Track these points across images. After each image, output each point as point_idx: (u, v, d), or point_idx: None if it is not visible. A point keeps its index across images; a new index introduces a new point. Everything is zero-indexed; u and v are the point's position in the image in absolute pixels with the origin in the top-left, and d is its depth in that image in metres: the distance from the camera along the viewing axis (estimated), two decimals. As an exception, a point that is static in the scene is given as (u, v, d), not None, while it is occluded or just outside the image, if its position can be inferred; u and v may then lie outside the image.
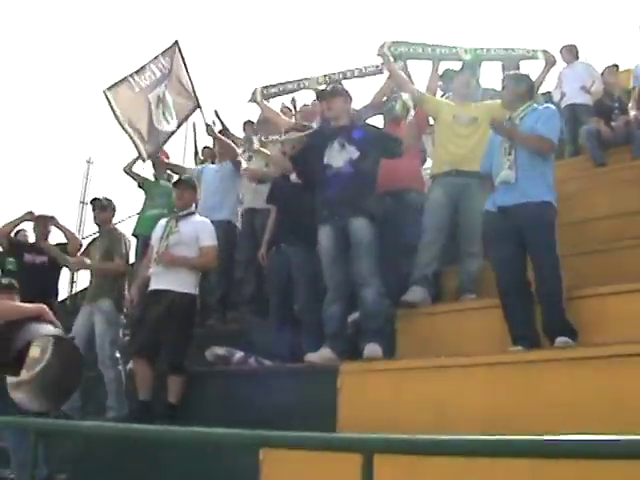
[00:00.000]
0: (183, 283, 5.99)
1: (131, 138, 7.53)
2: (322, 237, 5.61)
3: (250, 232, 7.59)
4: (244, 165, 7.67)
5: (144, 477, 5.25)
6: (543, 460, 2.54)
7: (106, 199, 7.31)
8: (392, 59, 6.47)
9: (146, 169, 8.70)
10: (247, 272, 7.56)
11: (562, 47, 10.10)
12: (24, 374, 4.47)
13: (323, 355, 5.38)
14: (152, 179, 8.75)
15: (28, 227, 8.32)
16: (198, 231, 6.15)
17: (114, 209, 7.36)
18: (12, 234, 7.62)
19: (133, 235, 8.44)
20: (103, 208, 7.23)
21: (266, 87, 7.68)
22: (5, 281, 5.92)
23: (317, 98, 7.32)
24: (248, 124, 9.21)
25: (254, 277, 7.45)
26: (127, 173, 8.52)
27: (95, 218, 7.30)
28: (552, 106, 5.55)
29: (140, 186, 8.77)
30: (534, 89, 5.43)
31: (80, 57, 34.38)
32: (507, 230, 4.93)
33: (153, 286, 6.09)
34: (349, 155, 5.57)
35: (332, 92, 5.94)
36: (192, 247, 6.10)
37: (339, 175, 5.56)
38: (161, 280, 6.01)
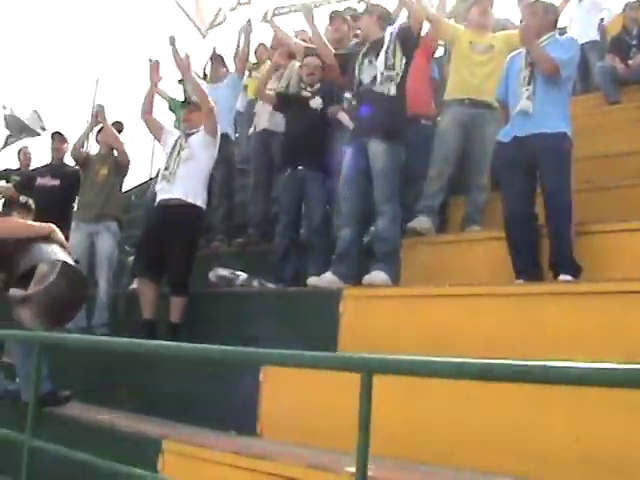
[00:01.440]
0: (191, 194, 6.01)
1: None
2: (345, 156, 5.62)
3: (264, 153, 7.51)
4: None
5: (145, 394, 5.33)
6: (539, 387, 2.56)
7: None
8: None
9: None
10: (257, 193, 7.53)
11: None
12: (31, 288, 4.52)
13: (327, 279, 5.40)
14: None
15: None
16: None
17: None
18: None
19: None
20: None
21: (277, 8, 7.59)
22: (23, 200, 5.94)
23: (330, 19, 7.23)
24: (260, 46, 9.09)
25: (264, 200, 7.42)
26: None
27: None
28: (574, 37, 5.46)
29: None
30: (558, 19, 5.32)
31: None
32: (520, 161, 4.88)
33: (160, 197, 6.13)
34: (375, 71, 5.52)
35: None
36: (204, 158, 6.15)
37: (367, 92, 5.54)
38: (169, 191, 6.04)
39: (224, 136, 7.31)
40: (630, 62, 8.66)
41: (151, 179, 8.85)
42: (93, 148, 9.01)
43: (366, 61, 5.61)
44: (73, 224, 7.13)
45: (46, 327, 4.65)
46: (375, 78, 5.49)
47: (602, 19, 9.79)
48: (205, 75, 9.61)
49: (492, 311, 4.21)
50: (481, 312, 4.25)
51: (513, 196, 4.93)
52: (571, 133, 4.90)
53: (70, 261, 4.86)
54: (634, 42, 8.86)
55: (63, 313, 4.84)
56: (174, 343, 3.77)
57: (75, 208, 7.70)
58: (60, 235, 4.94)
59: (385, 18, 5.78)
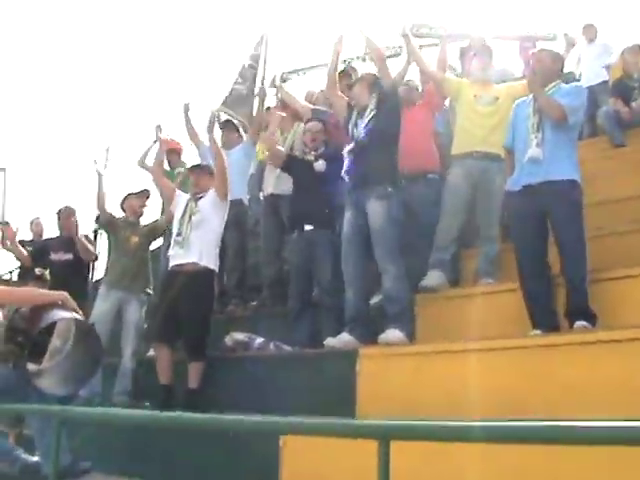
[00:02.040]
0: (205, 259, 6.06)
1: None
2: (345, 217, 5.71)
3: (272, 216, 7.54)
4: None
5: (165, 464, 5.30)
6: (559, 446, 2.53)
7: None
8: (413, 40, 6.43)
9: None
10: (268, 256, 7.55)
11: (584, 26, 10.05)
12: (45, 363, 4.52)
13: (343, 339, 5.40)
14: (167, 169, 8.72)
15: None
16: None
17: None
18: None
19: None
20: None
21: (286, 73, 7.70)
22: (38, 272, 6.00)
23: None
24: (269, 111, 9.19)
25: (276, 262, 7.45)
26: (141, 166, 8.44)
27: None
28: (580, 84, 5.51)
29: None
30: (563, 69, 5.36)
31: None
32: (530, 210, 4.88)
33: (173, 263, 6.18)
34: (366, 120, 5.69)
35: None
36: (215, 221, 6.21)
37: (357, 145, 5.68)
38: (183, 257, 6.09)
39: (238, 202, 7.40)
40: (633, 105, 8.71)
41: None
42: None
43: (359, 122, 5.77)
44: (103, 289, 7.14)
45: (65, 393, 4.66)
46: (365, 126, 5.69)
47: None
48: None
49: (508, 365, 4.19)
50: (497, 366, 4.23)
51: (525, 247, 4.92)
52: (580, 180, 4.91)
53: (84, 320, 4.87)
54: (635, 84, 8.92)
55: (79, 380, 4.83)
56: (192, 415, 3.75)
57: (105, 274, 7.69)
58: (73, 303, 4.98)
59: (374, 84, 5.91)
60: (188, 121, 8.13)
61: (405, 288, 5.46)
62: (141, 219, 7.56)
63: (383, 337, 5.23)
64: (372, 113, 5.75)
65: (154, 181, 6.69)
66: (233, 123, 8.61)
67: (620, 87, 9.05)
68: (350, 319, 5.51)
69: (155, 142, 8.15)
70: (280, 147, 6.89)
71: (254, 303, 7.40)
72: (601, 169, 7.29)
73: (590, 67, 9.76)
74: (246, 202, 7.91)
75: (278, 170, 7.14)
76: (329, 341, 5.46)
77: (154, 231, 7.50)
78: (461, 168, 6.03)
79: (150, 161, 7.78)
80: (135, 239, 7.22)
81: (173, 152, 8.58)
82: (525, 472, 3.37)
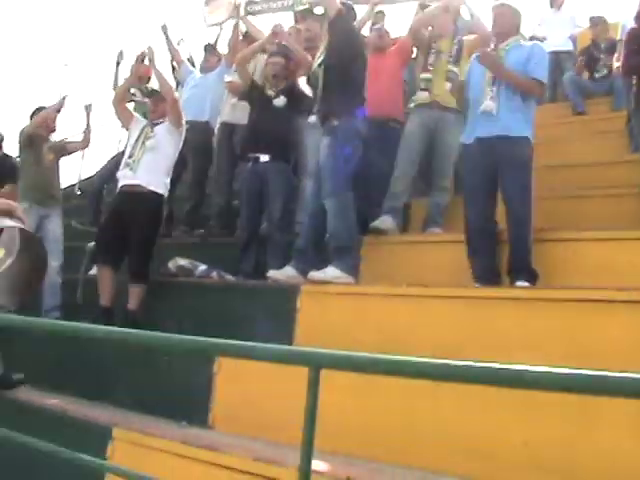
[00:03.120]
0: (153, 183, 5.99)
1: None
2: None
3: (227, 145, 7.45)
4: (227, 78, 7.51)
5: (98, 382, 5.29)
6: (490, 389, 2.58)
7: None
8: None
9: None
10: (218, 185, 7.50)
11: None
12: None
13: (287, 273, 5.39)
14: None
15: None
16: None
17: None
18: None
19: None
20: None
21: (249, 3, 7.56)
22: None
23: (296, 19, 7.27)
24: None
25: (225, 191, 7.40)
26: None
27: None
28: (541, 44, 5.48)
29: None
30: (521, 24, 5.31)
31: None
32: (481, 164, 4.88)
33: (122, 184, 6.10)
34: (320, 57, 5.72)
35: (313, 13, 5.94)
36: (169, 148, 6.15)
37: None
38: (131, 178, 6.01)
39: (205, 124, 7.32)
40: (596, 75, 8.83)
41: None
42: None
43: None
44: (25, 204, 7.03)
45: (8, 305, 4.60)
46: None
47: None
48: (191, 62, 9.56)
49: (447, 313, 4.25)
50: (436, 314, 4.29)
51: (473, 200, 4.95)
52: (532, 138, 4.92)
53: (29, 230, 4.79)
54: (601, 56, 9.02)
55: (26, 289, 4.76)
56: (127, 330, 3.71)
57: (21, 188, 7.57)
58: (20, 212, 4.88)
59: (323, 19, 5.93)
60: (169, 42, 8.09)
61: (347, 226, 5.32)
62: (52, 135, 7.42)
63: (316, 273, 5.14)
64: (323, 49, 5.73)
65: (113, 103, 6.52)
66: (213, 47, 8.53)
67: (587, 57, 9.13)
68: (298, 252, 5.48)
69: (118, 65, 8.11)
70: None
71: (201, 231, 7.36)
72: (560, 134, 7.38)
73: (556, 33, 9.80)
74: (214, 126, 7.77)
75: (234, 99, 7.09)
76: (272, 273, 5.45)
77: (63, 150, 7.43)
78: (419, 117, 6.05)
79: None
80: (50, 156, 7.11)
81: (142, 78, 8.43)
82: (459, 414, 3.43)
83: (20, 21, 31.37)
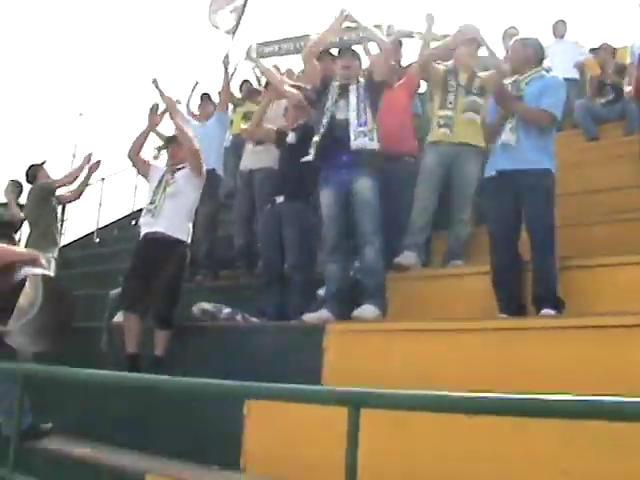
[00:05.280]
0: (176, 229, 6.01)
1: None
2: (324, 194, 5.68)
3: (247, 190, 7.57)
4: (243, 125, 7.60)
5: (128, 428, 5.29)
6: (524, 420, 2.59)
7: None
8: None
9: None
10: (241, 228, 7.58)
11: (556, 21, 10.21)
12: (11, 324, 4.46)
13: (322, 316, 5.38)
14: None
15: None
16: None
17: None
18: None
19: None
20: None
21: (262, 44, 7.64)
22: (6, 218, 5.99)
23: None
24: (245, 83, 9.20)
25: (248, 234, 7.45)
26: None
27: None
28: (559, 77, 5.51)
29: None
30: (542, 53, 5.30)
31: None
32: (504, 197, 4.92)
33: (145, 231, 6.13)
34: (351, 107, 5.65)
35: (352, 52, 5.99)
36: (190, 194, 6.18)
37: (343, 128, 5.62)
38: (153, 226, 6.04)
39: (211, 172, 7.40)
40: (603, 100, 8.90)
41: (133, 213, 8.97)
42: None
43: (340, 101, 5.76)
44: (49, 254, 7.27)
45: (43, 349, 4.62)
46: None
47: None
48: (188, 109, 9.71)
49: (474, 346, 4.23)
50: (463, 347, 4.27)
51: (498, 232, 4.97)
52: (555, 169, 4.95)
53: (51, 277, 4.82)
54: (608, 81, 9.10)
55: (57, 332, 4.78)
56: (158, 376, 3.76)
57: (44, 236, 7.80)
58: (43, 261, 4.91)
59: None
60: (163, 95, 8.20)
61: (382, 264, 5.48)
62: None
63: (358, 312, 5.24)
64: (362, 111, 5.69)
65: (129, 156, 6.55)
66: (209, 95, 8.68)
67: (596, 83, 9.20)
68: (331, 294, 5.51)
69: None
70: (270, 126, 6.88)
71: (226, 272, 7.40)
72: (574, 161, 7.38)
73: (560, 62, 9.85)
74: (220, 173, 7.94)
75: (251, 146, 7.17)
76: (308, 317, 5.44)
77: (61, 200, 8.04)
78: (436, 152, 6.06)
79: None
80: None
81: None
82: (494, 446, 3.41)
83: (36, 69, 31.90)
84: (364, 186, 5.49)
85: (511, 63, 5.29)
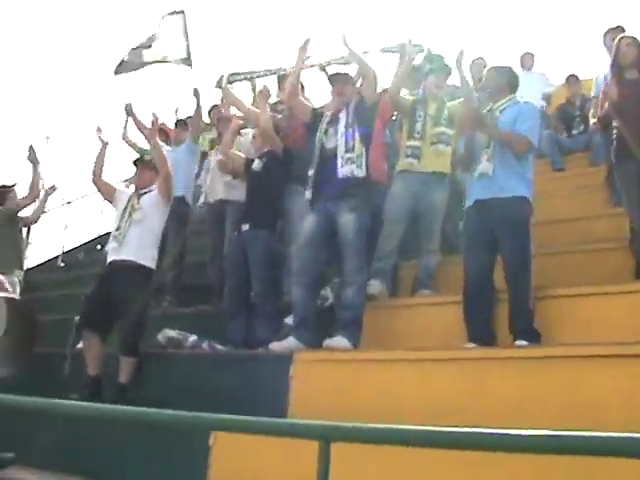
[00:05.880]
0: (141, 256, 5.97)
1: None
2: (307, 219, 5.60)
3: (217, 220, 7.53)
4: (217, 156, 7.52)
5: (89, 458, 5.19)
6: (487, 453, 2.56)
7: None
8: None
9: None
10: (212, 259, 7.55)
11: (523, 54, 10.32)
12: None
13: (289, 345, 5.26)
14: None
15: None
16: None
17: None
18: None
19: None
20: None
21: (233, 74, 7.65)
22: None
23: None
24: (215, 109, 9.17)
25: (217, 263, 7.40)
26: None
27: None
28: (534, 103, 5.55)
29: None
30: (516, 82, 5.36)
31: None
32: (480, 226, 4.93)
33: (111, 258, 6.08)
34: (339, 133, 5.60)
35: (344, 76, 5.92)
36: (155, 220, 6.13)
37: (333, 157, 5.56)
38: (120, 253, 6.00)
39: (181, 199, 7.37)
40: (574, 132, 8.99)
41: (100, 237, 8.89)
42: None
43: (331, 130, 5.69)
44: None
45: (15, 370, 4.54)
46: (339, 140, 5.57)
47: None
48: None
49: (443, 376, 4.22)
50: (432, 377, 4.25)
51: (473, 262, 4.96)
52: (531, 197, 4.96)
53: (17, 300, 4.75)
54: (577, 113, 9.19)
55: (18, 358, 4.71)
56: (121, 407, 3.68)
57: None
58: (7, 285, 4.86)
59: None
60: (136, 120, 8.23)
61: (363, 299, 5.37)
62: None
63: (329, 342, 5.13)
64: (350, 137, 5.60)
65: (93, 180, 6.48)
66: (185, 122, 8.67)
67: (563, 114, 9.31)
68: (299, 320, 5.38)
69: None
70: (239, 153, 6.87)
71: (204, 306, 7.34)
72: (541, 191, 7.43)
73: (528, 93, 9.94)
74: (189, 200, 7.92)
75: (227, 177, 7.14)
76: (274, 345, 5.34)
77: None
78: (404, 180, 6.06)
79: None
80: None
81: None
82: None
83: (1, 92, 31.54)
84: (348, 224, 5.35)
85: (487, 91, 5.30)
